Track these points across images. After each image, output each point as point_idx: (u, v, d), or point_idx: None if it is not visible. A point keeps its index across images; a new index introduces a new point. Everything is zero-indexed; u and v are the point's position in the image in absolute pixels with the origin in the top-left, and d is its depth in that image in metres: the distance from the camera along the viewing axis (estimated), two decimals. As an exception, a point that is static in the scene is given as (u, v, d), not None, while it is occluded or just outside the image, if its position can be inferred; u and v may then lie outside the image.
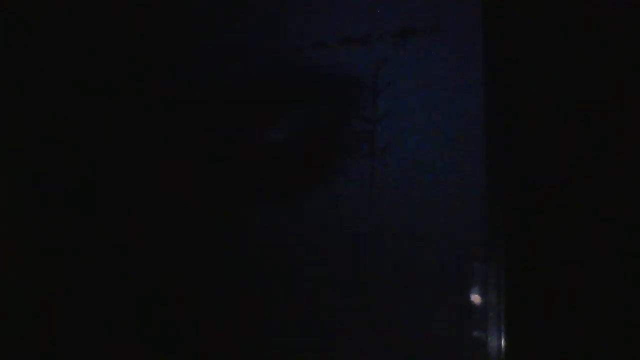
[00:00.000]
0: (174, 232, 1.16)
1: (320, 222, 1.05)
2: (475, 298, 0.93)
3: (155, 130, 1.20)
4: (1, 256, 1.13)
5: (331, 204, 1.04)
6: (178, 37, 1.20)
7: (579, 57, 0.94)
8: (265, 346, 1.06)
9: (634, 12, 0.91)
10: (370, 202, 1.01)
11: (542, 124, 0.95)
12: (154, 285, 1.16)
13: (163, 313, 1.14)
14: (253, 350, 1.06)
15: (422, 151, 0.99)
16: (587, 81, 0.93)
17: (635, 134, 0.90)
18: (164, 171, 1.18)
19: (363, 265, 1.01)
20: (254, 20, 1.14)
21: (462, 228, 0.95)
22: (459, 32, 0.98)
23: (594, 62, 0.93)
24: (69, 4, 1.25)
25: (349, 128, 1.05)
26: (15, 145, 1.17)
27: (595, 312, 0.89)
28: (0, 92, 1.16)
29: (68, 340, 1.19)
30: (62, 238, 1.20)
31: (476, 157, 0.95)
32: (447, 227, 0.96)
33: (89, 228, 1.21)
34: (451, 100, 0.98)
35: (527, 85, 0.97)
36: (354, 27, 1.06)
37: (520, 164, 0.95)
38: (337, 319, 1.02)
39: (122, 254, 1.19)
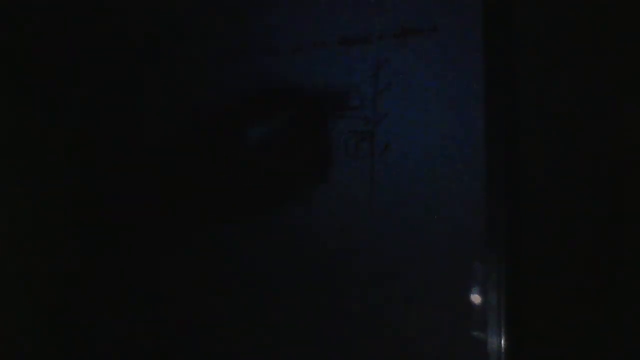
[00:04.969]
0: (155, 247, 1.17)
1: (320, 222, 1.05)
2: (475, 298, 0.93)
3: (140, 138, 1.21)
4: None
5: (331, 204, 1.04)
6: (174, 37, 1.20)
7: (581, 56, 0.94)
8: None
9: (635, 11, 0.91)
10: (370, 202, 1.01)
11: (544, 123, 0.95)
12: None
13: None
14: None
15: (422, 151, 0.99)
16: (589, 80, 0.93)
17: (638, 135, 0.90)
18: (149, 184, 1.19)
19: (362, 265, 1.01)
20: (252, 20, 1.14)
21: (462, 228, 0.95)
22: (459, 32, 0.98)
23: (596, 61, 0.93)
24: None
25: (349, 128, 1.05)
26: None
27: (596, 312, 0.89)
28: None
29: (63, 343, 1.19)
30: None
31: (477, 157, 0.95)
32: (447, 227, 0.96)
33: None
34: (451, 100, 0.98)
35: (527, 84, 0.97)
36: (354, 27, 1.06)
37: (521, 164, 0.95)
38: (335, 318, 1.02)
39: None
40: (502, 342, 0.90)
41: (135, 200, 1.20)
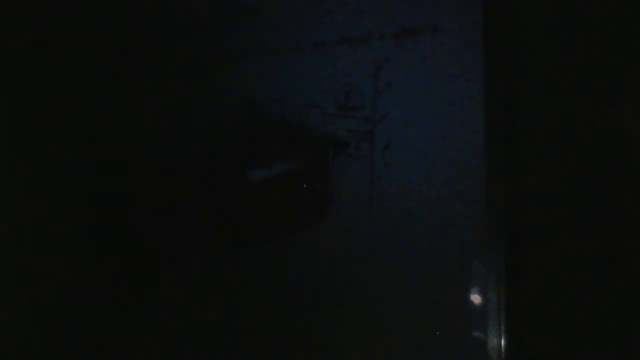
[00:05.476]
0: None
1: (320, 222, 1.05)
2: (475, 298, 0.93)
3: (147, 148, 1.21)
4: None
5: (331, 204, 1.04)
6: (174, 37, 1.20)
7: (582, 56, 0.94)
8: None
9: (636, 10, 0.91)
10: (370, 202, 1.01)
11: (544, 123, 0.95)
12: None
13: None
14: None
15: (422, 151, 0.99)
16: (589, 79, 0.94)
17: (638, 135, 0.90)
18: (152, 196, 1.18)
19: (361, 265, 1.01)
20: (252, 20, 1.14)
21: (462, 227, 0.95)
22: (459, 32, 0.98)
23: (597, 60, 0.93)
24: None
25: (349, 128, 1.05)
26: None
27: (596, 313, 0.89)
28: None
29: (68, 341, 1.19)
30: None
31: (477, 157, 0.95)
32: (447, 227, 0.96)
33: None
34: (451, 100, 0.98)
35: (528, 84, 0.97)
36: (354, 27, 1.06)
37: (521, 164, 0.95)
38: (334, 318, 1.01)
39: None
40: (502, 342, 0.90)
41: (135, 202, 1.20)
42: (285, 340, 1.04)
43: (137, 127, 1.22)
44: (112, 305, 1.19)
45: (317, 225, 1.04)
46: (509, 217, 0.93)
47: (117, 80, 1.24)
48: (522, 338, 0.91)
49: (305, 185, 1.05)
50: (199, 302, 1.12)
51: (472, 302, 0.93)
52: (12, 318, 1.13)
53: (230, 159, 1.13)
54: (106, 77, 1.25)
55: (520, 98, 0.97)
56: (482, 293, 0.92)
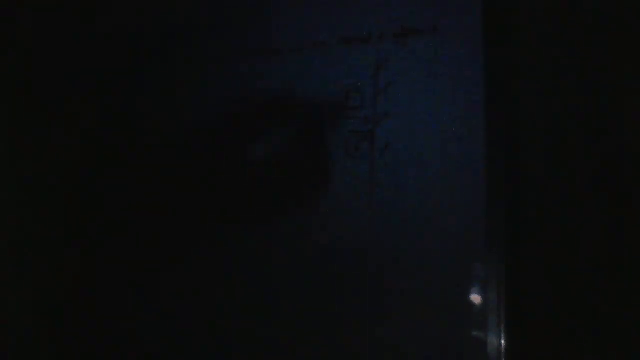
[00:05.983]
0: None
1: (319, 221, 1.05)
2: (475, 298, 0.93)
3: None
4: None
5: (330, 203, 1.04)
6: (174, 37, 1.20)
7: (582, 56, 0.94)
8: None
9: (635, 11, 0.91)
10: (370, 202, 1.01)
11: (544, 123, 0.95)
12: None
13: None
14: None
15: (422, 151, 0.99)
16: (590, 79, 0.94)
17: (638, 134, 0.90)
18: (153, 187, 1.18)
19: (361, 265, 1.01)
20: (252, 20, 1.14)
21: (462, 228, 0.95)
22: (459, 32, 0.98)
23: (597, 60, 0.93)
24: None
25: (349, 128, 1.05)
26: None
27: (596, 313, 0.89)
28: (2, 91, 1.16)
29: (69, 339, 1.19)
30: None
31: (477, 157, 0.95)
32: (447, 227, 0.96)
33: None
34: (452, 100, 0.98)
35: (528, 84, 0.97)
36: (354, 27, 1.06)
37: (521, 164, 0.95)
38: (335, 318, 1.02)
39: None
40: (502, 342, 0.90)
41: (135, 200, 1.20)
42: (285, 338, 1.05)
43: (137, 127, 1.23)
44: (112, 305, 1.19)
45: (315, 203, 1.03)
46: (509, 217, 0.93)
47: (116, 80, 1.25)
48: (522, 338, 0.91)
49: (303, 156, 1.04)
50: (199, 301, 1.12)
51: (472, 302, 0.93)
52: (12, 318, 1.13)
53: (230, 158, 1.14)
54: (106, 76, 1.25)
55: (520, 98, 0.97)
56: (482, 293, 0.92)
